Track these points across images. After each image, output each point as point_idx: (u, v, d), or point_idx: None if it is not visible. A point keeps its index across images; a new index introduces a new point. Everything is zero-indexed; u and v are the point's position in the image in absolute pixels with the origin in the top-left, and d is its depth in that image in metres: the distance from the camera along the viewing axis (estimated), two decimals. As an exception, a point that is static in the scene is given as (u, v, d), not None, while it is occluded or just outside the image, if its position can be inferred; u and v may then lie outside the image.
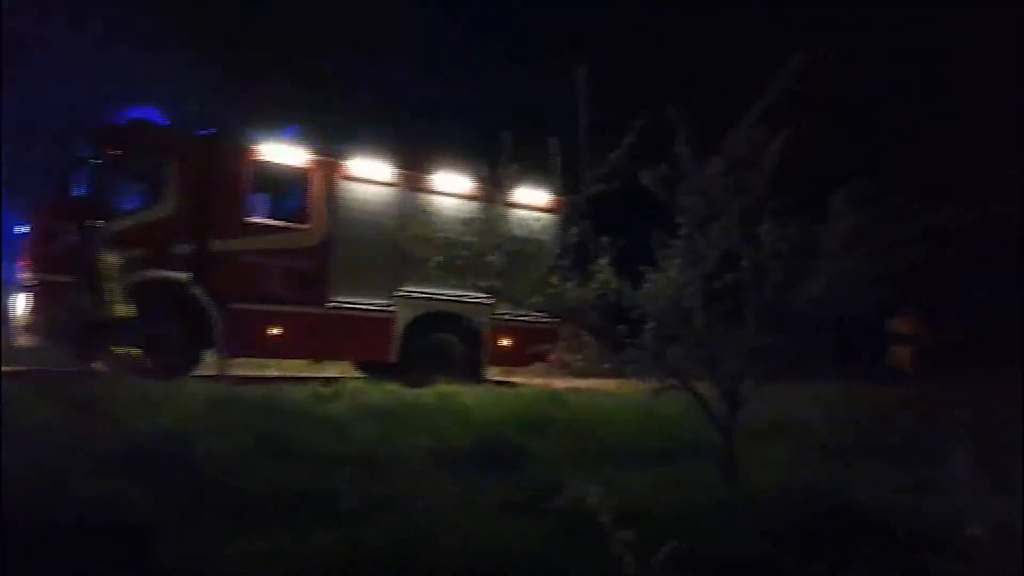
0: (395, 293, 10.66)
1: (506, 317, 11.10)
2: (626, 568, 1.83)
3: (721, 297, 5.03)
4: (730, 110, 4.83)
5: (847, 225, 4.62)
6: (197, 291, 9.23)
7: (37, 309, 8.67)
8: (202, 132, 9.82)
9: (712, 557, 3.09)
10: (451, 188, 10.49)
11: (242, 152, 9.76)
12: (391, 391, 8.03)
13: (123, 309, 8.54)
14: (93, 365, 9.04)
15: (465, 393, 8.15)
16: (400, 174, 10.83)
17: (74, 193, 9.44)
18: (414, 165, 11.02)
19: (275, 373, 10.98)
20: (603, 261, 5.23)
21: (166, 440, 4.51)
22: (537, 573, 2.78)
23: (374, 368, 10.91)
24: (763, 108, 4.65)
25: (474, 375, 10.85)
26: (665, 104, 4.74)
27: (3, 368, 7.84)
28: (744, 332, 4.99)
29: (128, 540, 2.96)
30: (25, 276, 8.89)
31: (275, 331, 9.77)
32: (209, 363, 9.65)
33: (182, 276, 9.22)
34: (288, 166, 10.19)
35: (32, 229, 9.19)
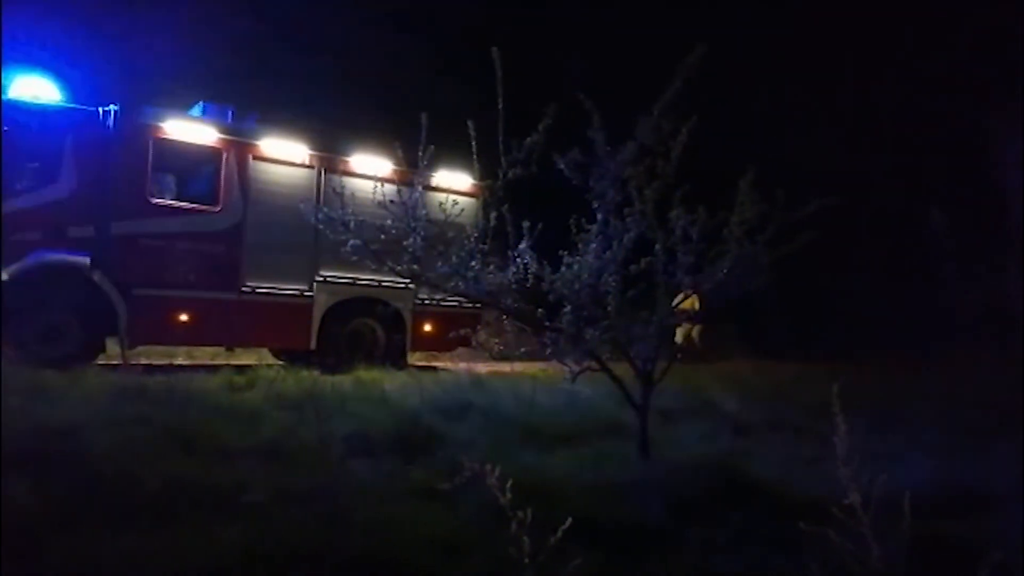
0: (314, 278, 10.40)
1: (428, 302, 11.03)
2: (523, 547, 1.84)
3: (636, 281, 5.15)
4: (645, 97, 4.93)
5: (752, 212, 4.80)
6: (98, 276, 8.75)
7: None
8: (103, 107, 9.24)
9: (616, 530, 3.19)
10: (369, 170, 10.26)
11: (146, 129, 9.26)
12: (309, 379, 7.84)
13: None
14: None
15: (385, 379, 8.07)
16: (316, 155, 10.54)
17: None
18: (331, 146, 10.75)
19: (185, 362, 10.57)
20: (522, 246, 5.26)
21: (60, 434, 4.26)
22: (444, 558, 2.78)
23: (292, 356, 10.64)
24: (670, 98, 4.76)
25: (396, 361, 10.73)
26: (580, 90, 4.78)
27: None
28: (657, 314, 5.13)
29: (12, 541, 2.77)
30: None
31: (184, 318, 9.36)
32: (112, 352, 9.18)
33: (81, 260, 8.71)
34: (197, 145, 9.74)
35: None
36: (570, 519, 1.86)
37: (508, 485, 1.93)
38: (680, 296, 5.52)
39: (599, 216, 5.08)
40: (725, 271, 4.88)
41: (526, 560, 1.78)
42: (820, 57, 21.04)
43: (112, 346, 9.23)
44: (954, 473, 4.63)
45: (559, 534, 1.85)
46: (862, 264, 20.33)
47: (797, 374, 10.10)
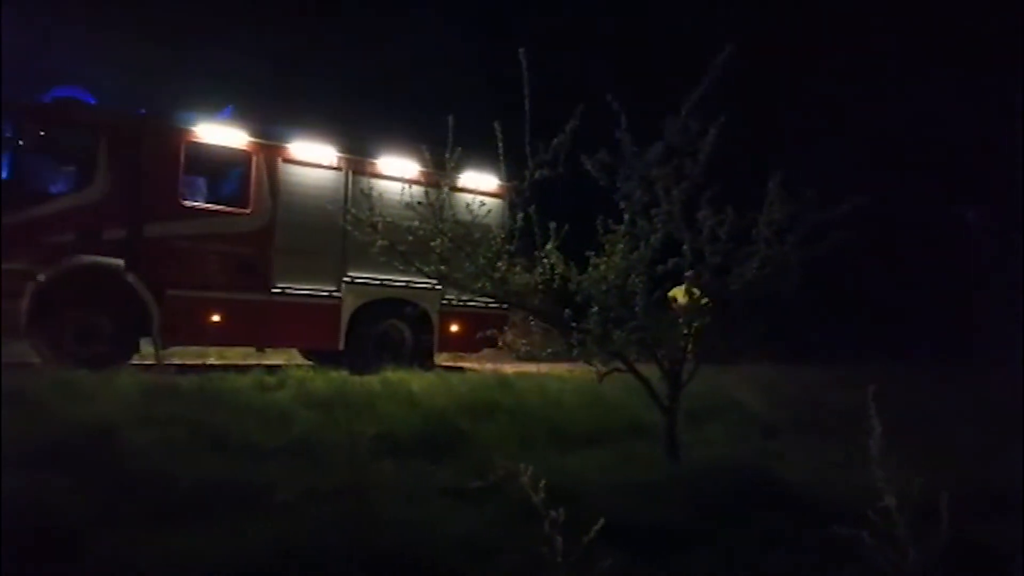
0: (342, 279, 10.51)
1: (455, 302, 11.08)
2: (556, 547, 1.85)
3: (663, 281, 5.13)
4: (672, 98, 4.90)
5: (782, 212, 4.75)
6: (132, 278, 8.93)
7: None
8: (135, 111, 9.44)
9: (645, 531, 3.18)
10: (396, 172, 10.36)
11: (178, 133, 9.44)
12: (337, 379, 7.93)
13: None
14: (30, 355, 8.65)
15: (413, 380, 8.11)
16: (344, 158, 10.65)
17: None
18: (358, 149, 10.85)
19: (217, 362, 10.73)
20: (549, 246, 5.27)
21: (96, 433, 4.35)
22: (475, 556, 2.80)
23: (321, 356, 10.75)
24: (698, 98, 4.73)
25: (423, 362, 10.79)
26: (607, 90, 4.77)
27: None
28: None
29: (50, 538, 2.85)
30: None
31: (216, 318, 9.51)
32: (146, 352, 9.36)
33: (116, 262, 8.89)
34: (228, 148, 9.89)
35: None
36: (602, 520, 1.86)
37: (540, 485, 1.94)
38: (678, 289, 5.49)
39: (626, 217, 5.06)
40: (754, 271, 4.84)
41: (559, 559, 1.78)
42: (853, 56, 20.75)
43: (146, 346, 9.40)
44: (987, 476, 4.54)
45: (592, 534, 1.85)
46: (893, 265, 20.01)
47: (826, 376, 9.97)
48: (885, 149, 20.88)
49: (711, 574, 3.11)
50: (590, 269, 5.14)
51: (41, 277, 8.37)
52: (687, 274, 5.25)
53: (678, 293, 5.85)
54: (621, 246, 5.03)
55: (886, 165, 20.50)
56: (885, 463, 1.89)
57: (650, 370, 5.36)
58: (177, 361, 9.89)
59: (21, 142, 8.56)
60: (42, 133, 8.67)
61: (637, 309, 4.98)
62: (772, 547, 3.39)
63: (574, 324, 5.22)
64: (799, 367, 12.14)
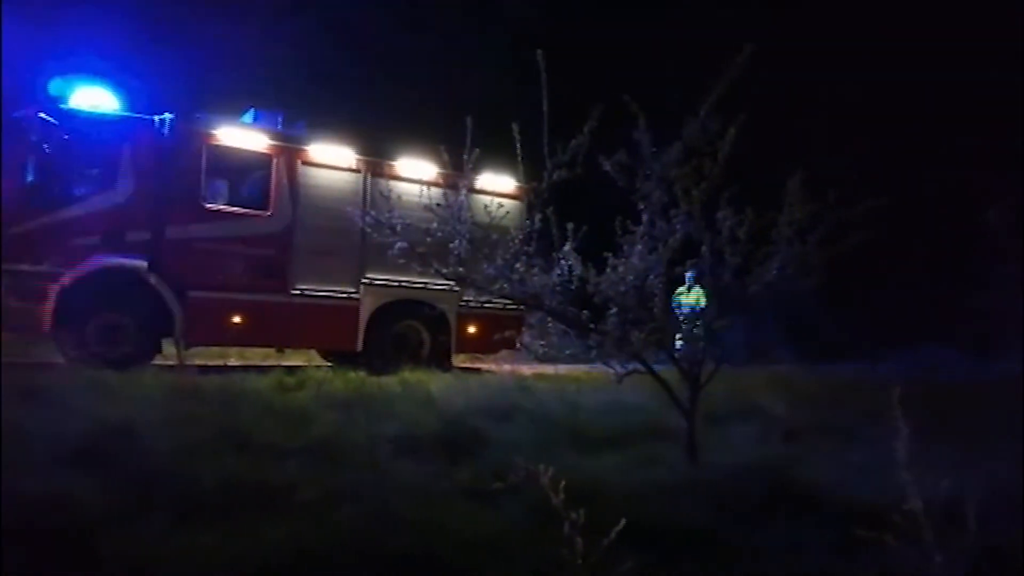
0: (360, 280, 10.57)
1: (473, 304, 11.10)
2: (576, 549, 1.84)
3: (682, 282, 5.11)
4: (691, 98, 4.88)
5: (802, 212, 4.71)
6: (154, 279, 9.04)
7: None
8: (158, 115, 9.56)
9: (665, 534, 3.17)
10: (414, 174, 10.40)
11: (200, 136, 9.55)
12: (356, 380, 7.97)
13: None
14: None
15: (431, 381, 8.14)
16: (363, 160, 10.71)
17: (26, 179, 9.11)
18: (377, 151, 10.91)
19: (238, 362, 10.83)
20: (567, 248, 5.26)
21: (117, 432, 4.41)
22: (494, 558, 2.80)
23: (340, 357, 10.82)
24: (717, 98, 4.70)
25: (441, 363, 10.82)
26: (625, 91, 4.76)
27: None
28: (704, 316, 5.07)
29: (72, 537, 2.89)
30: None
31: (237, 319, 9.62)
32: (168, 353, 9.48)
33: (139, 264, 9.01)
34: (248, 151, 10.00)
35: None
36: (623, 521, 1.85)
37: (560, 487, 1.93)
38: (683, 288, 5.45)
39: (645, 217, 5.05)
40: (775, 271, 4.81)
41: (579, 561, 1.78)
42: (871, 55, 20.54)
43: (168, 347, 9.52)
44: (1012, 480, 4.46)
45: (613, 536, 1.84)
46: (914, 265, 19.74)
47: (848, 376, 9.86)
48: (906, 147, 20.63)
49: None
50: (608, 270, 5.13)
51: (66, 279, 8.50)
52: (687, 274, 5.21)
53: (683, 294, 5.83)
54: (639, 247, 5.01)
55: (907, 164, 20.25)
56: (910, 466, 1.87)
57: (668, 371, 5.33)
58: (199, 361, 9.99)
59: (46, 145, 8.71)
60: (66, 137, 8.80)
61: (656, 310, 4.96)
62: (793, 550, 3.35)
63: (592, 325, 5.21)
64: (821, 367, 12.02)
